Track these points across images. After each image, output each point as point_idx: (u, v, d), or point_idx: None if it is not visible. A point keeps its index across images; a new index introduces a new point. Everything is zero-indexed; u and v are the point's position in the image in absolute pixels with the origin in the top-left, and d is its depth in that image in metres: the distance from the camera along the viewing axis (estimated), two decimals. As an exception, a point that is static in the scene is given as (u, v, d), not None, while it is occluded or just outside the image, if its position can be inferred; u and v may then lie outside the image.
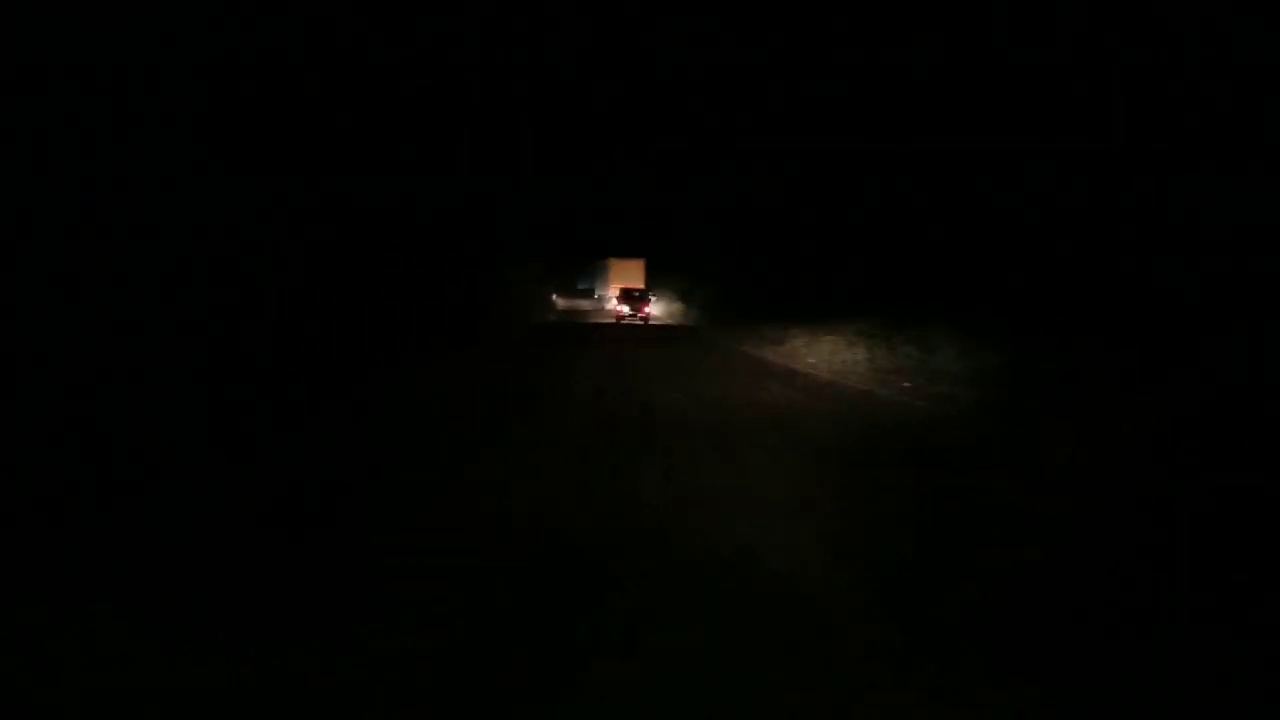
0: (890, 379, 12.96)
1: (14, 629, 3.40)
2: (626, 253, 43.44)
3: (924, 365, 13.33)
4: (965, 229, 14.56)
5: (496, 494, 5.74)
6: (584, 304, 42.82)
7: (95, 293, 7.33)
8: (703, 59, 21.72)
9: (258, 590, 3.86)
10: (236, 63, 9.43)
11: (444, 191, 18.92)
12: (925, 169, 15.84)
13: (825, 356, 16.49)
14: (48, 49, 7.22)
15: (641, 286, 39.23)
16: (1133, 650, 3.40)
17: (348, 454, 7.07)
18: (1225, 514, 5.38)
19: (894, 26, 16.02)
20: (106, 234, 7.52)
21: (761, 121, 23.78)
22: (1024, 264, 12.53)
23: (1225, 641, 3.50)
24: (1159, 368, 8.75)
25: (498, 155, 23.02)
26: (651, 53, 21.78)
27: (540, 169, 28.11)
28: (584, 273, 41.84)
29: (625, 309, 35.71)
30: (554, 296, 38.65)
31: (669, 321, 36.82)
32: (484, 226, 24.73)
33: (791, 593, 3.94)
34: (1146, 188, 10.29)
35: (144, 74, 8.26)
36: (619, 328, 31.07)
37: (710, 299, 34.04)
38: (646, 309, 36.61)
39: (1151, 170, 10.26)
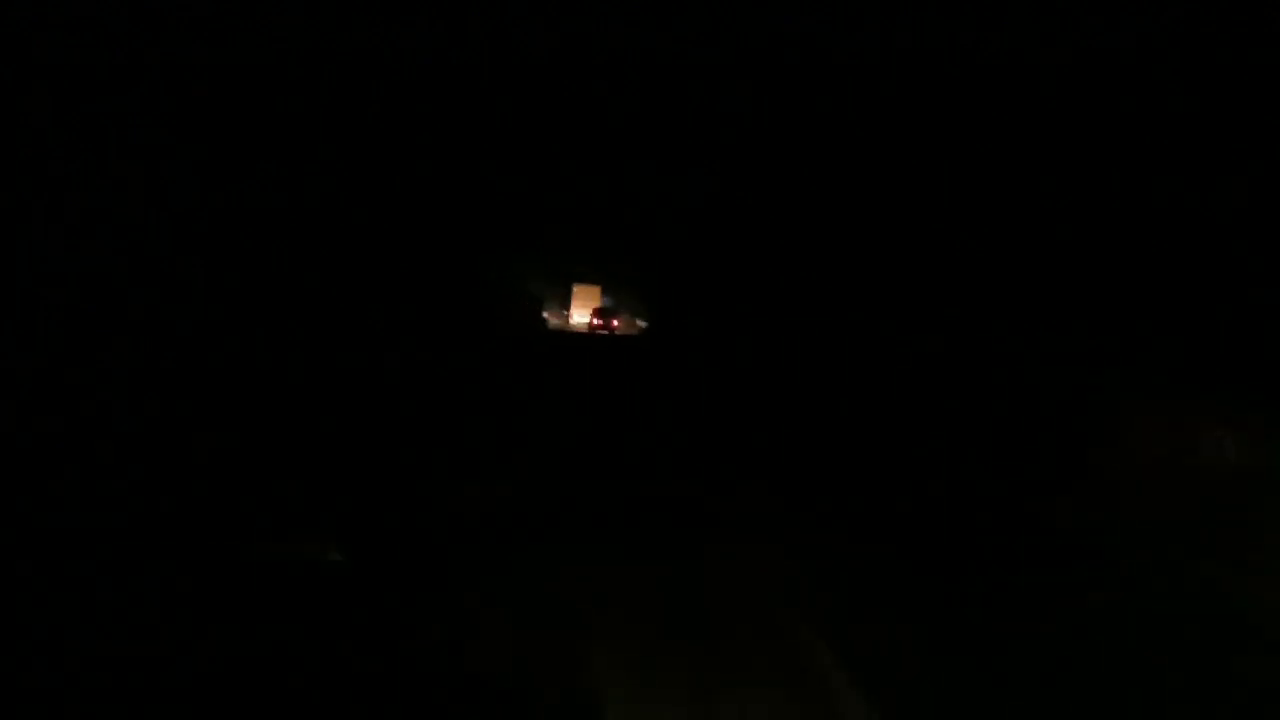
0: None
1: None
2: (588, 278, 53.33)
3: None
4: None
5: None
6: (560, 321, 53.31)
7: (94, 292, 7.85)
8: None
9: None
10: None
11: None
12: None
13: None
14: (47, 49, 7.40)
15: (600, 306, 49.78)
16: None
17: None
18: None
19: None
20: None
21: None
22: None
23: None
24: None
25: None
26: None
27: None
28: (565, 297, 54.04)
29: (598, 321, 46.30)
30: (544, 314, 48.72)
31: (631, 333, 47.17)
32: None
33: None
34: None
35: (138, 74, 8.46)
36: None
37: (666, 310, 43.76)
38: (615, 323, 47.11)
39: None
